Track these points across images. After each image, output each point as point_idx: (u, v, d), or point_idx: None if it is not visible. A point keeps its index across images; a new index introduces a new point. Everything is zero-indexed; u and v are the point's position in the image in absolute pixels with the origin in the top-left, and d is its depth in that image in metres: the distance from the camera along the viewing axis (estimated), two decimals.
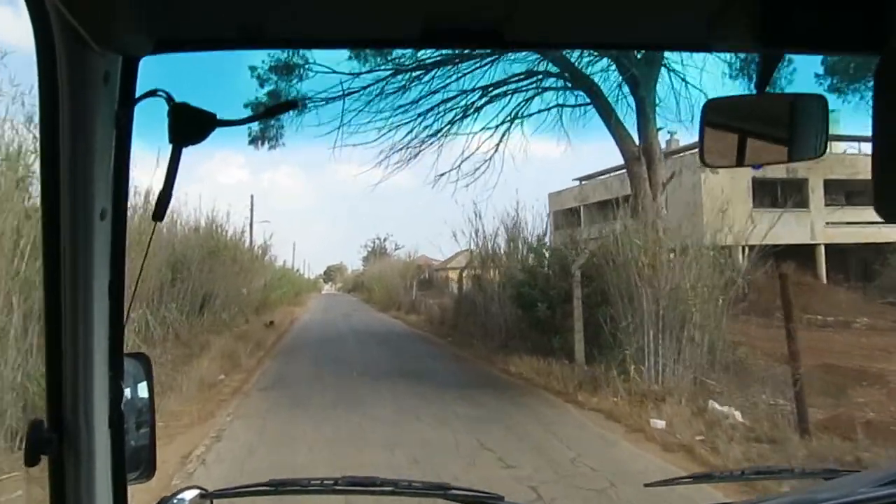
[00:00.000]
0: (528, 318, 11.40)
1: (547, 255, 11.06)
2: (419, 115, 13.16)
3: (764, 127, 1.06)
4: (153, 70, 1.03)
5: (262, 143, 13.03)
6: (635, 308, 8.32)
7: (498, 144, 13.68)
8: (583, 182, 30.85)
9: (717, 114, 1.08)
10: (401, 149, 13.55)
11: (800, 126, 1.04)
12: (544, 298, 10.92)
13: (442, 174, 14.19)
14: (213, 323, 13.80)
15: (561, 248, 11.79)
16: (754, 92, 1.01)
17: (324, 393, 8.69)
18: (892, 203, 0.82)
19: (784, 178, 23.64)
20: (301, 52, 10.69)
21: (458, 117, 13.49)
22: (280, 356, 13.38)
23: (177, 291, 12.16)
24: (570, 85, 12.36)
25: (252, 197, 28.77)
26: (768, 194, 23.96)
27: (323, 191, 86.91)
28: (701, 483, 1.59)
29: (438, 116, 13.34)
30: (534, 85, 13.05)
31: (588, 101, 12.19)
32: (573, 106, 12.95)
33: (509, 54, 11.08)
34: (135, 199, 9.57)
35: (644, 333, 8.16)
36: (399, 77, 12.29)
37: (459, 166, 13.96)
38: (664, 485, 1.45)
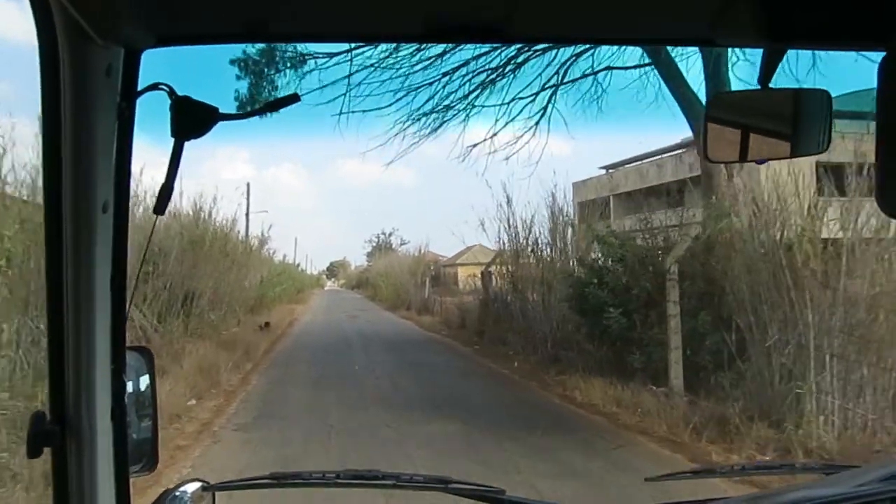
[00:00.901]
0: (590, 327, 9.80)
1: (616, 244, 9.54)
2: (444, 74, 11.17)
3: (767, 122, 1.08)
4: (155, 63, 1.09)
5: (252, 104, 11.03)
6: (785, 319, 6.17)
7: (546, 107, 11.78)
8: (610, 171, 27.49)
9: (720, 109, 1.11)
10: (419, 118, 11.77)
11: (803, 121, 1.05)
12: (617, 302, 8.94)
13: (475, 144, 12.52)
14: (197, 325, 12.81)
15: (635, 236, 9.96)
16: (758, 87, 1.02)
17: (328, 440, 6.65)
18: (894, 197, 0.85)
19: (854, 163, 20.02)
20: None
21: (490, 78, 11.51)
22: (272, 371, 12.07)
23: (150, 288, 10.88)
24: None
25: (248, 185, 26.16)
26: (835, 180, 20.47)
27: (326, 186, 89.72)
28: (702, 477, 1.58)
29: (465, 79, 11.45)
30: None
31: (649, 60, 10.29)
32: (629, 68, 11.04)
33: None
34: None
35: (810, 357, 5.87)
36: None
37: (493, 137, 12.23)
38: (665, 479, 1.48)
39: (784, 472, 1.56)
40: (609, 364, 8.98)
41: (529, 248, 13.91)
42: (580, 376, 9.07)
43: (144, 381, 1.23)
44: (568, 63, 11.47)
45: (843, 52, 1.31)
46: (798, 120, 1.03)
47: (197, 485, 1.31)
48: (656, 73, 10.27)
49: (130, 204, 1.14)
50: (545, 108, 11.84)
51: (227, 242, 16.96)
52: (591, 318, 9.53)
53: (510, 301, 14.21)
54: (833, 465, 1.34)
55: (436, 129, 12.05)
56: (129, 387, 1.14)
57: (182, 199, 13.66)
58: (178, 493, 1.28)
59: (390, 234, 62.08)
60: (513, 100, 11.64)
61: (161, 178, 1.05)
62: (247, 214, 27.60)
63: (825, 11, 0.87)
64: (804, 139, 1.04)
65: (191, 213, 14.14)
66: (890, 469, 1.09)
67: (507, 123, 11.96)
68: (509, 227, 14.44)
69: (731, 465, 2.23)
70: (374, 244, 64.38)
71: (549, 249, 13.13)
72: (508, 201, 14.31)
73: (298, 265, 47.41)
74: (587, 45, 11.33)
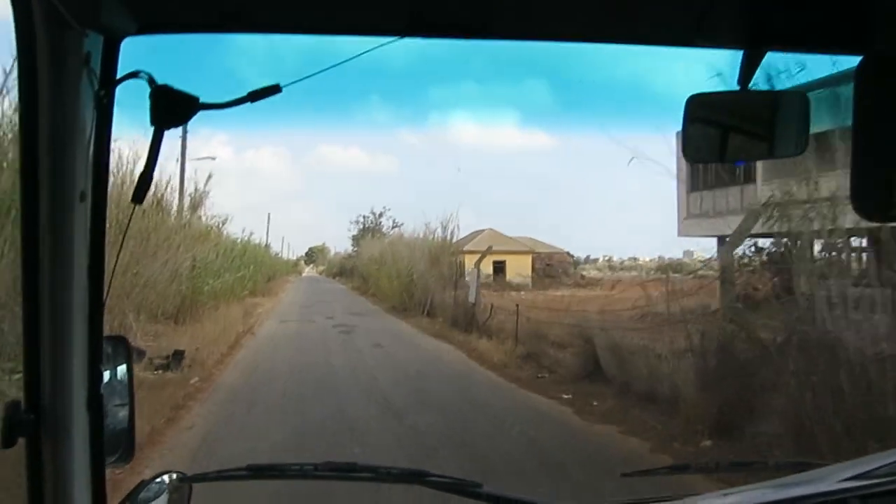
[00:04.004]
0: None
1: None
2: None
3: (746, 123, 1.06)
4: (135, 51, 1.05)
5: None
6: None
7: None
8: None
9: (700, 109, 1.05)
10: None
11: (781, 123, 1.02)
12: None
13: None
14: None
15: None
16: (737, 88, 1.01)
17: None
18: (868, 199, 0.86)
19: None
20: None
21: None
22: None
23: None
24: None
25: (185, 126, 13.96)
26: None
27: (306, 171, 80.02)
28: (677, 474, 1.62)
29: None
30: None
31: None
32: None
33: None
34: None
35: None
36: None
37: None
38: (641, 475, 1.45)
39: (758, 469, 1.52)
40: None
41: None
42: None
43: (122, 370, 1.19)
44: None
45: (820, 55, 1.18)
46: (776, 122, 1.01)
47: (174, 476, 1.27)
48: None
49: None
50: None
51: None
52: None
53: None
54: (806, 462, 1.32)
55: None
56: (107, 376, 1.09)
57: None
58: (154, 484, 1.24)
59: (380, 215, 50.46)
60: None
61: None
62: (180, 160, 16.80)
63: (804, 16, 0.86)
64: (782, 140, 1.02)
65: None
66: (861, 467, 1.08)
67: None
68: None
69: (705, 462, 1.80)
70: (361, 226, 51.69)
71: None
72: None
73: (268, 245, 36.56)
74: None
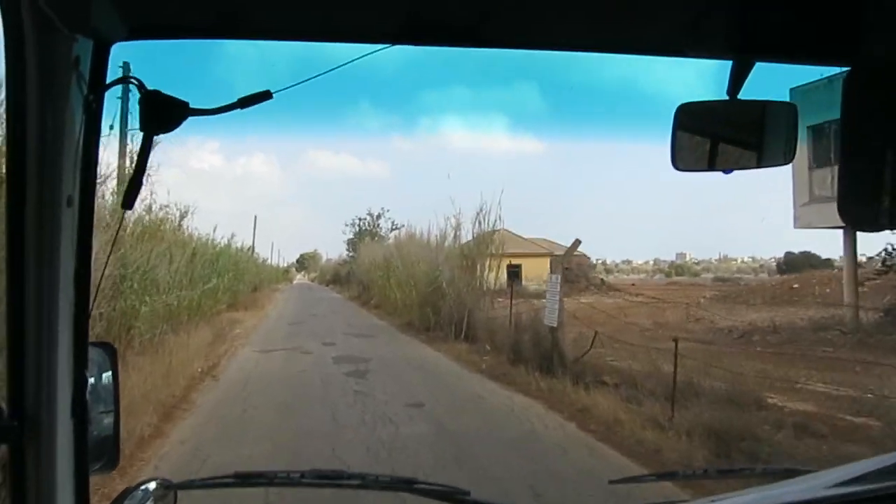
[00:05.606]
0: None
1: None
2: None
3: (735, 132, 1.06)
4: (125, 56, 1.07)
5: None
6: None
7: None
8: None
9: (689, 117, 1.06)
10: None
11: (770, 132, 1.03)
12: None
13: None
14: None
15: None
16: (726, 97, 1.02)
17: None
18: (855, 207, 0.86)
19: None
20: None
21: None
22: None
23: None
24: None
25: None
26: None
27: (296, 179, 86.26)
28: (664, 481, 1.50)
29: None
30: None
31: None
32: None
33: None
34: None
35: None
36: None
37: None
38: (629, 482, 1.42)
39: (745, 475, 1.50)
40: None
41: None
42: None
43: (107, 376, 1.15)
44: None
45: (810, 66, 1.12)
46: (765, 131, 1.01)
47: (158, 483, 1.23)
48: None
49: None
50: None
51: None
52: None
53: None
54: (792, 469, 1.28)
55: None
56: (92, 382, 1.07)
57: None
58: (139, 492, 1.20)
59: (378, 217, 45.15)
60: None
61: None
62: (119, 128, 11.74)
63: (793, 27, 0.87)
64: (771, 150, 1.02)
65: None
66: (848, 473, 1.06)
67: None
68: None
69: (692, 469, 1.88)
70: (357, 229, 46.08)
71: None
72: None
73: (253, 249, 32.72)
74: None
